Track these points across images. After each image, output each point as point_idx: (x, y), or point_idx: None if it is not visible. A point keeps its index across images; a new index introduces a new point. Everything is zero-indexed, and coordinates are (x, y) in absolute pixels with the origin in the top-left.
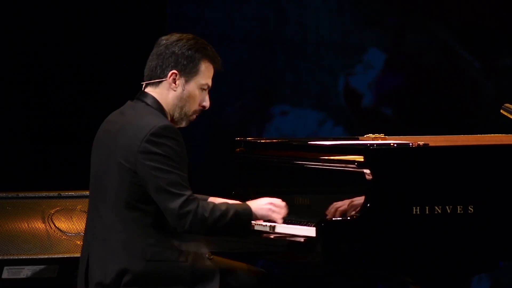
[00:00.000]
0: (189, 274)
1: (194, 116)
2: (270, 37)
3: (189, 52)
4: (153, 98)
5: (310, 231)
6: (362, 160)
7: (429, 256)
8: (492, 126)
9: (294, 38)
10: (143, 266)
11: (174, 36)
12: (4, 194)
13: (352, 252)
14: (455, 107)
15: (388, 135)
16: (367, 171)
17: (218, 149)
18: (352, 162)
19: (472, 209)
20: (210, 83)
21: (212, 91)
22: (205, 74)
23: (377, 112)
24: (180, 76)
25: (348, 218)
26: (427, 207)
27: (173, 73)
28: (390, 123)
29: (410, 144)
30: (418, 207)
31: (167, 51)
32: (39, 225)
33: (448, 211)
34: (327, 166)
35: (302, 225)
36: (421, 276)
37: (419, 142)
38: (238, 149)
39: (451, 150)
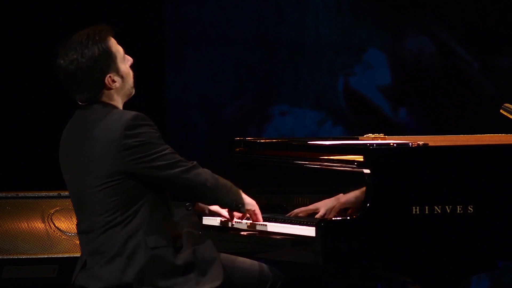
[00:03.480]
0: (188, 256)
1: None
2: (269, 37)
3: (98, 52)
4: (101, 101)
5: (309, 231)
6: (362, 160)
7: (428, 256)
8: (492, 126)
9: (293, 38)
10: (149, 255)
11: (74, 55)
12: (4, 194)
13: (352, 252)
14: (454, 107)
15: (387, 135)
16: (366, 171)
17: (217, 149)
18: (352, 162)
19: (471, 209)
20: (120, 47)
21: (212, 91)
22: (117, 48)
23: (376, 112)
24: (113, 72)
25: (348, 218)
26: (426, 207)
27: (108, 77)
28: (389, 122)
29: (410, 144)
30: (417, 207)
31: (85, 72)
32: (38, 225)
33: (448, 211)
34: (326, 166)
35: (302, 225)
36: (421, 276)
37: (418, 142)
38: (237, 149)
39: (450, 150)
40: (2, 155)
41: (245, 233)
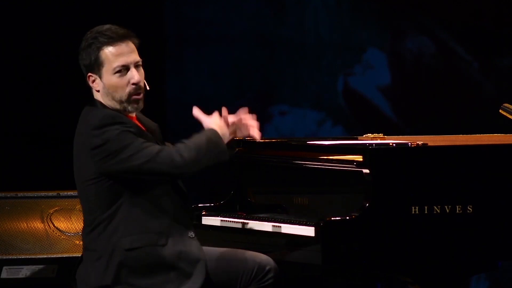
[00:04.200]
0: (171, 256)
1: (136, 96)
2: (269, 37)
3: (86, 51)
4: (95, 100)
5: (309, 231)
6: (361, 160)
7: (428, 256)
8: (491, 126)
9: (293, 38)
10: (124, 257)
11: (85, 35)
12: (3, 194)
13: (351, 252)
14: (454, 107)
15: (387, 135)
16: (366, 171)
17: None
18: (351, 162)
19: (471, 209)
20: (124, 62)
21: (211, 91)
22: (111, 58)
23: (376, 112)
24: (94, 75)
25: (347, 218)
26: (426, 207)
27: (89, 76)
28: (389, 122)
29: (409, 144)
30: (417, 207)
31: (79, 57)
32: (38, 225)
33: (447, 211)
34: (326, 166)
35: (301, 225)
36: (420, 276)
37: (418, 142)
38: (237, 149)
39: (450, 150)
40: (1, 155)
41: (244, 233)
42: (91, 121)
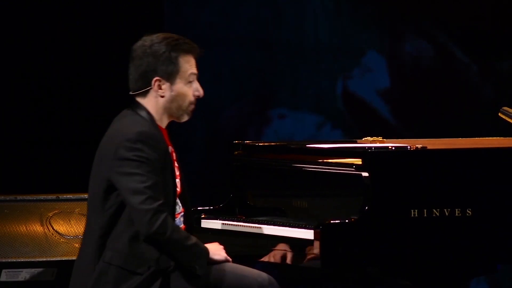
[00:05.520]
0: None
1: (192, 107)
2: (268, 40)
3: (164, 54)
4: (142, 107)
5: (308, 234)
6: (360, 163)
7: (427, 259)
8: (490, 129)
9: (292, 41)
10: (100, 267)
11: (145, 42)
12: (2, 197)
13: (350, 255)
14: (453, 110)
15: (386, 138)
16: (365, 174)
17: (216, 152)
18: (350, 165)
19: (470, 212)
20: (195, 71)
21: (210, 94)
22: (187, 67)
23: (375, 115)
24: (164, 81)
25: (346, 221)
26: (425, 210)
27: (156, 80)
28: (388, 126)
29: (408, 147)
30: (416, 210)
31: (142, 62)
32: (37, 228)
33: (446, 214)
34: (325, 169)
35: (300, 228)
36: (419, 279)
37: (417, 145)
38: (236, 152)
39: (449, 153)
40: (1, 158)
41: (244, 236)
42: (128, 133)
